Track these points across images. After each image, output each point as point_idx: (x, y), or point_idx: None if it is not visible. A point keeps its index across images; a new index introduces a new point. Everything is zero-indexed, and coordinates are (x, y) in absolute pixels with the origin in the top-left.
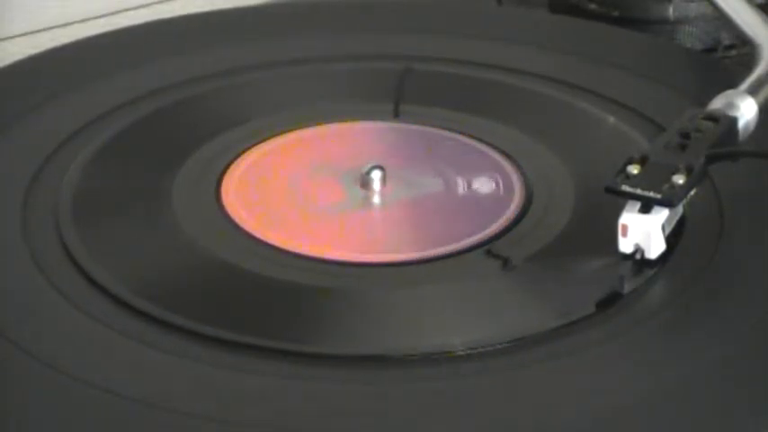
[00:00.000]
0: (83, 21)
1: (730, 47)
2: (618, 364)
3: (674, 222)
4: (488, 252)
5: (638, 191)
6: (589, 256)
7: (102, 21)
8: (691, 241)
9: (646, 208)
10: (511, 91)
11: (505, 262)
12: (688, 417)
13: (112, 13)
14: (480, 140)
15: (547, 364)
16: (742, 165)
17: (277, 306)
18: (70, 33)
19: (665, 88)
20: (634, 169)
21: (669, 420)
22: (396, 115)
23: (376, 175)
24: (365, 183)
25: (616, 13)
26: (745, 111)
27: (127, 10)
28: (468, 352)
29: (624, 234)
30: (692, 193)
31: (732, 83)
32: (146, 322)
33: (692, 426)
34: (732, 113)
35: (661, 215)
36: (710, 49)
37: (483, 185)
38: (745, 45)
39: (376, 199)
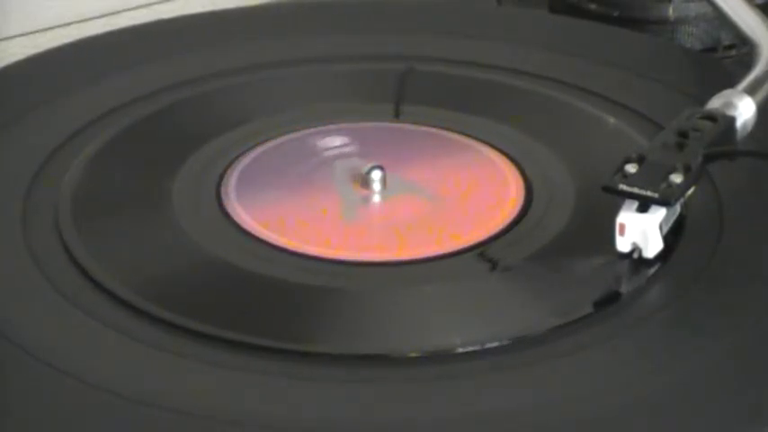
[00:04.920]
0: (83, 21)
1: (730, 47)
2: (618, 364)
3: (671, 221)
4: (484, 253)
5: (636, 190)
6: (589, 256)
7: (102, 21)
8: (691, 241)
9: (643, 207)
10: (511, 91)
11: (506, 261)
12: (688, 416)
13: (112, 13)
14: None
15: (547, 364)
16: (742, 164)
17: (277, 306)
18: (70, 33)
19: (665, 88)
20: (632, 168)
21: (669, 420)
22: (396, 116)
23: (376, 175)
24: (365, 183)
25: (616, 13)
26: (744, 110)
27: (127, 10)
28: (468, 352)
29: (622, 233)
30: (690, 192)
31: (732, 83)
32: (146, 322)
33: (692, 425)
34: (730, 113)
35: (658, 214)
36: (710, 49)
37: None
38: (744, 45)
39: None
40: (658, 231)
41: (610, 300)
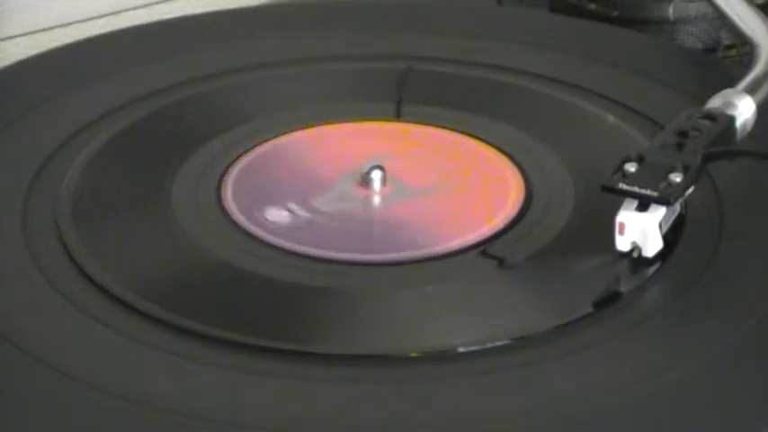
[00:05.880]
0: (83, 21)
1: (730, 47)
2: (618, 364)
3: (671, 221)
4: (484, 252)
5: (635, 189)
6: (589, 256)
7: (102, 21)
8: (691, 241)
9: (643, 206)
10: (511, 91)
11: (506, 261)
12: (688, 416)
13: (112, 13)
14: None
15: (547, 363)
16: (742, 164)
17: (277, 306)
18: (70, 33)
19: (665, 88)
20: (631, 168)
21: (669, 420)
22: (397, 115)
23: (376, 175)
24: (365, 183)
25: (616, 13)
26: (743, 110)
27: (127, 10)
28: (468, 352)
29: (621, 232)
30: (690, 191)
31: (732, 83)
32: (146, 322)
33: (692, 425)
34: (730, 112)
35: (658, 213)
36: (710, 49)
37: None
38: (744, 45)
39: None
40: (658, 230)
41: (610, 299)
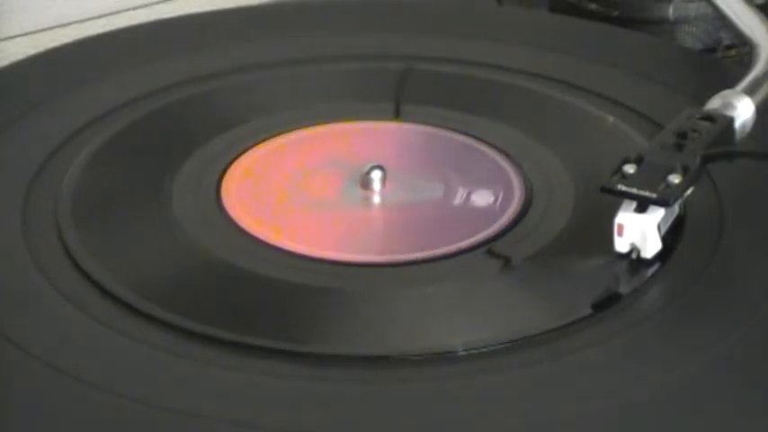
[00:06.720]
0: (83, 21)
1: (730, 47)
2: (618, 364)
3: (670, 222)
4: (489, 252)
5: (634, 190)
6: (589, 257)
7: (102, 21)
8: (690, 241)
9: (642, 207)
10: (511, 91)
11: (506, 262)
12: (688, 417)
13: (112, 13)
14: (480, 140)
15: (547, 364)
16: (742, 165)
17: (277, 306)
18: (70, 33)
19: (665, 88)
20: (630, 169)
21: (669, 420)
22: (396, 115)
23: (376, 175)
24: (365, 183)
25: (616, 13)
26: (742, 110)
27: (126, 10)
28: (469, 352)
29: (620, 233)
30: (689, 192)
31: (731, 83)
32: (146, 322)
33: (693, 425)
34: (729, 113)
35: (657, 214)
36: (710, 49)
37: (483, 185)
38: (744, 45)
39: (376, 199)
40: (656, 231)
41: (609, 300)
